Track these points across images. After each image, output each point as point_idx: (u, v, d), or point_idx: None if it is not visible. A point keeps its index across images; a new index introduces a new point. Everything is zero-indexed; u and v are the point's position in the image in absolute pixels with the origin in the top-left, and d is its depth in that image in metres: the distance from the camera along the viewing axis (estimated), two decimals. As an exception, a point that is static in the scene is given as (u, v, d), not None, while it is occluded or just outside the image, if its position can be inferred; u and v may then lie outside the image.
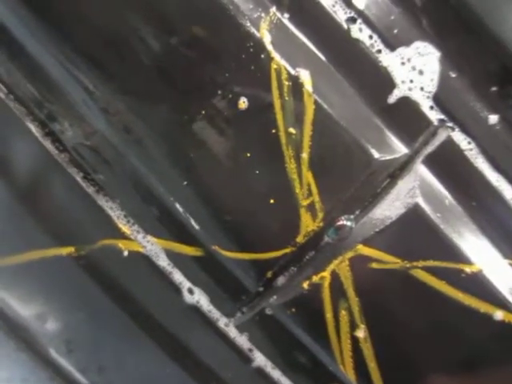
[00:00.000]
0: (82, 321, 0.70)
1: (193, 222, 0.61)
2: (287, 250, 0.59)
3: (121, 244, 0.64)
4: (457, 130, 0.57)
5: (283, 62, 0.55)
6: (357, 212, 0.58)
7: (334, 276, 0.59)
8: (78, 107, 0.62)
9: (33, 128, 0.63)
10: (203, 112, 0.57)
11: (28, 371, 0.72)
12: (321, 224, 0.58)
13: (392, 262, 0.58)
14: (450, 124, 0.57)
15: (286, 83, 0.55)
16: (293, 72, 0.55)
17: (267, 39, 0.55)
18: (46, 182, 0.66)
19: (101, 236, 0.64)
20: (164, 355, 0.69)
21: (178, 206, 0.61)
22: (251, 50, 0.55)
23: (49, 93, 0.62)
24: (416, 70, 0.56)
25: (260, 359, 0.66)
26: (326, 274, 0.59)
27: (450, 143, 0.57)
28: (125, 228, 0.64)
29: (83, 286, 0.67)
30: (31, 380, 0.74)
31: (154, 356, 0.69)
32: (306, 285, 0.60)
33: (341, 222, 0.57)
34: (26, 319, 0.69)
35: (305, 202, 0.58)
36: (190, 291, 0.65)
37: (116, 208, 0.64)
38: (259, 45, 0.55)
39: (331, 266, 0.59)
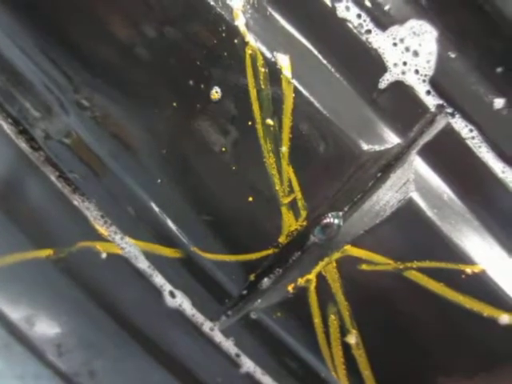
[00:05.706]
0: (69, 324, 0.70)
1: (170, 223, 0.58)
2: (269, 252, 0.55)
3: (99, 246, 0.62)
4: (457, 116, 0.52)
5: (259, 47, 0.51)
6: (345, 209, 0.54)
7: (321, 279, 0.55)
8: (51, 102, 0.59)
9: (5, 125, 0.61)
10: (174, 104, 0.53)
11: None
12: (304, 223, 0.54)
13: (384, 263, 0.54)
14: (450, 110, 0.52)
15: (263, 70, 0.51)
16: (270, 57, 0.51)
17: (241, 21, 0.51)
18: (20, 181, 0.64)
19: (78, 238, 0.62)
20: (152, 361, 0.67)
21: (153, 205, 0.58)
22: (223, 34, 0.51)
23: (19, 87, 0.60)
24: (410, 51, 0.52)
25: (248, 365, 0.63)
26: (312, 276, 0.55)
27: (449, 131, 0.53)
28: (102, 229, 0.61)
29: (65, 290, 0.66)
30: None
31: (143, 362, 0.67)
32: (291, 288, 0.56)
33: (328, 220, 0.53)
34: (17, 322, 0.69)
35: (286, 200, 0.54)
36: (172, 294, 0.62)
37: (92, 208, 0.61)
38: (232, 28, 0.51)
39: (317, 268, 0.55)
